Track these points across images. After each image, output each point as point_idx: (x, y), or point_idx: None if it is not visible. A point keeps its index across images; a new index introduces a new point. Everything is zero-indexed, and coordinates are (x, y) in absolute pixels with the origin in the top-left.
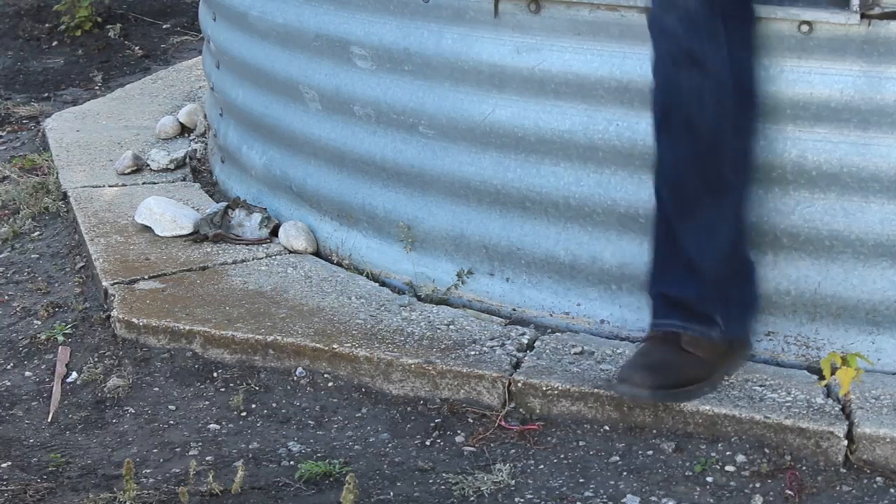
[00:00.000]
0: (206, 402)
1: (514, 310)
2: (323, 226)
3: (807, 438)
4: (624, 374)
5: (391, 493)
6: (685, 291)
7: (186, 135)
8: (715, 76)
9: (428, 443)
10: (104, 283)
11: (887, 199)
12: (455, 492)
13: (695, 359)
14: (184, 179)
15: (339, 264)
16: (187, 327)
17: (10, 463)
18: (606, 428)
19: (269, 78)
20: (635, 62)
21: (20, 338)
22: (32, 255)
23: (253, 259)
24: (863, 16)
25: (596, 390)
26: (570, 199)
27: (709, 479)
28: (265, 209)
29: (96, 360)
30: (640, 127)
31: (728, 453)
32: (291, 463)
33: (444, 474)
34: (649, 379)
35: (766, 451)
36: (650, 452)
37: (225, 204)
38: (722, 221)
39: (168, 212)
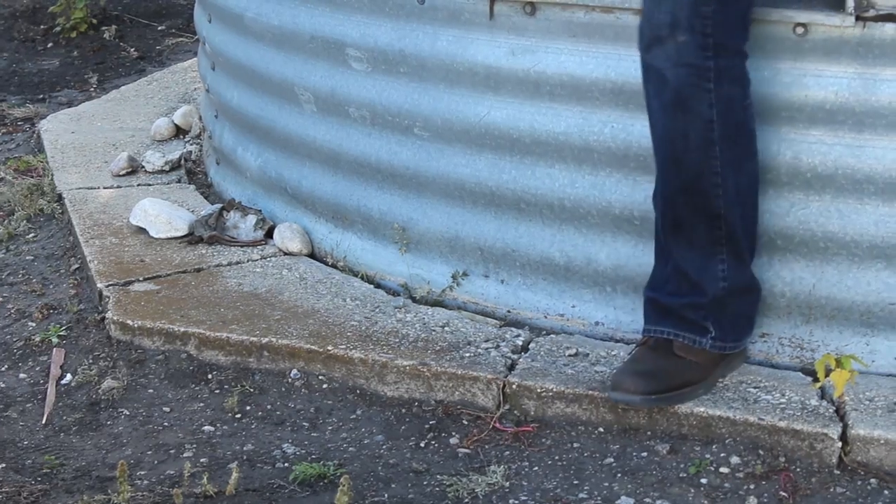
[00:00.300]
0: (201, 404)
1: (508, 311)
2: (318, 227)
3: (801, 440)
4: (616, 380)
5: (385, 495)
6: (675, 300)
7: (181, 136)
8: (702, 116)
9: (422, 444)
10: (99, 285)
11: (882, 201)
12: (449, 493)
13: (687, 363)
14: (179, 181)
15: (334, 266)
16: (182, 329)
17: (4, 465)
18: (601, 430)
19: (264, 80)
20: (630, 64)
21: (15, 339)
22: (27, 257)
23: (248, 261)
24: (857, 18)
25: (590, 392)
26: (564, 200)
27: (703, 480)
28: (260, 211)
29: (91, 361)
30: (634, 129)
31: (722, 455)
32: (286, 465)
33: (438, 476)
34: (641, 385)
35: (761, 452)
36: (644, 454)
37: (220, 206)
38: (716, 245)
39: (163, 213)
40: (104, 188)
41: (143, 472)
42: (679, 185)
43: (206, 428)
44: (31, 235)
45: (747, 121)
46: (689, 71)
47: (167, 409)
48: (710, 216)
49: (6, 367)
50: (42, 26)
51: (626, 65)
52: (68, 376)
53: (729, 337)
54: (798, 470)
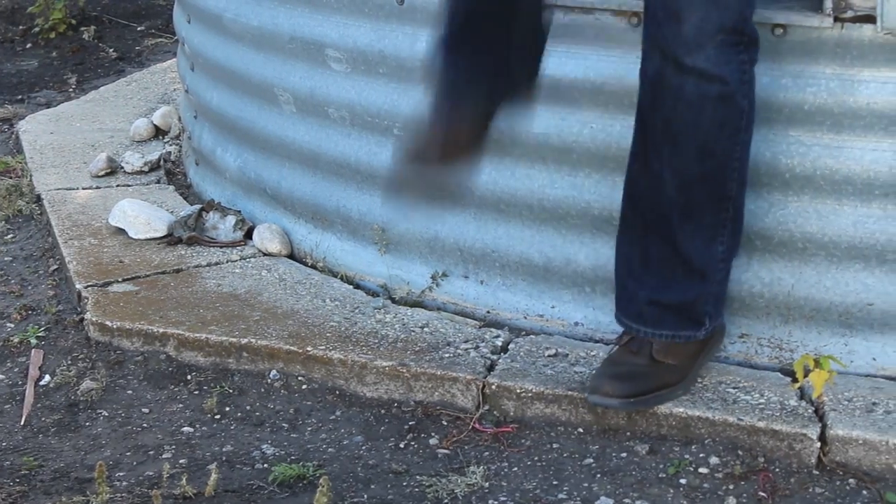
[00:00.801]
0: (180, 405)
1: (488, 312)
2: (297, 228)
3: (780, 440)
4: (594, 383)
5: (365, 496)
6: (686, 296)
7: (161, 137)
8: (737, 104)
9: (402, 445)
10: (77, 286)
11: (860, 202)
12: (429, 494)
13: (666, 366)
14: (158, 182)
15: (313, 267)
16: (161, 330)
17: None
18: (580, 430)
19: (243, 80)
20: (609, 65)
21: None
22: (6, 258)
23: (227, 261)
24: (836, 19)
25: (570, 393)
26: (544, 201)
27: (682, 480)
28: (239, 212)
29: (69, 362)
30: (614, 129)
31: (701, 455)
32: (265, 466)
33: (417, 477)
34: (619, 388)
35: (740, 452)
36: (624, 455)
37: (199, 206)
38: (721, 227)
39: (142, 214)
40: (83, 189)
41: (121, 474)
42: (699, 173)
43: (185, 429)
44: (9, 236)
45: (754, 103)
46: (732, 68)
47: (146, 411)
48: (721, 199)
49: None
50: (20, 27)
51: (605, 65)
52: (47, 377)
53: (717, 316)
54: (777, 470)
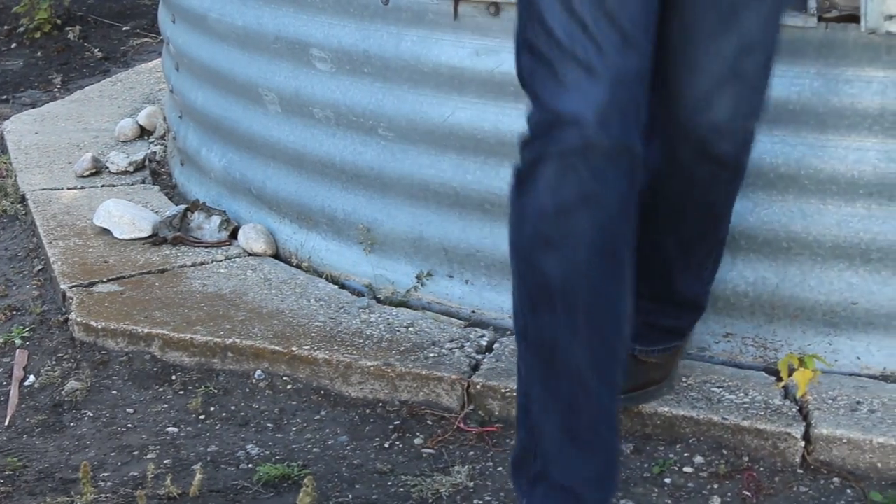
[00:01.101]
0: (165, 405)
1: (473, 312)
2: (282, 228)
3: (764, 439)
4: None
5: (350, 496)
6: (680, 322)
7: (146, 137)
8: (743, 175)
9: (387, 445)
10: (62, 286)
11: (844, 202)
12: (413, 494)
13: (649, 364)
14: (143, 182)
15: (298, 267)
16: (146, 330)
17: None
18: None
19: (228, 80)
20: None
21: None
22: None
23: (212, 261)
24: (820, 18)
25: None
26: None
27: (667, 480)
28: (224, 212)
29: (54, 363)
30: None
31: (686, 455)
32: (250, 466)
33: (402, 476)
34: None
35: (724, 452)
36: None
37: (184, 206)
38: (707, 259)
39: (127, 214)
40: (68, 189)
41: (106, 474)
42: (701, 234)
43: (170, 429)
44: None
45: None
46: (749, 149)
47: (131, 411)
48: (715, 242)
49: None
50: (6, 27)
51: None
52: (31, 378)
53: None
54: (761, 469)
